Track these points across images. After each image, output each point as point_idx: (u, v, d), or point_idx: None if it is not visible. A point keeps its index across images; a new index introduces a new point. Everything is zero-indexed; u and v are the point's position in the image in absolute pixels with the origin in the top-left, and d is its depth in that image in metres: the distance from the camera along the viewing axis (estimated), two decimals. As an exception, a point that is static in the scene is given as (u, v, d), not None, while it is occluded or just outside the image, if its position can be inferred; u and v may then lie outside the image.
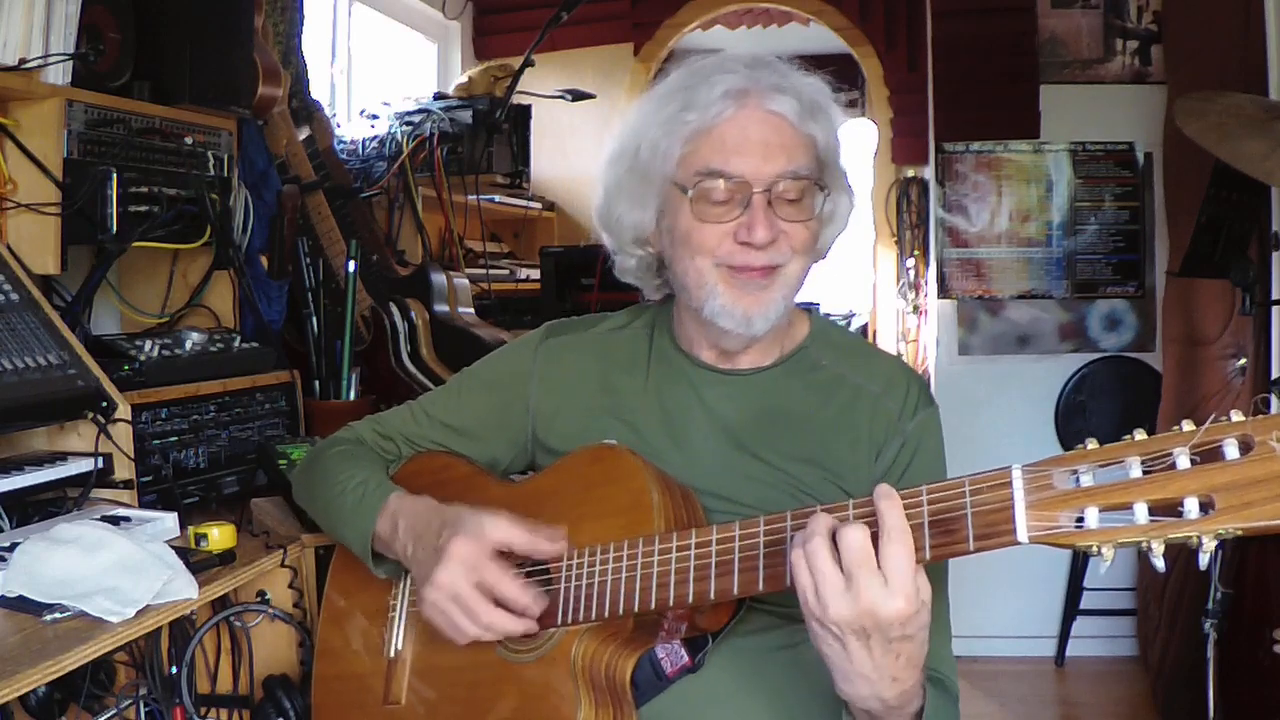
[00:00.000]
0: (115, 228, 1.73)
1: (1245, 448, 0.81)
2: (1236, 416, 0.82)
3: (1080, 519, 0.86)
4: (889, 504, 0.92)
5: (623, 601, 1.10)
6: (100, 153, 1.74)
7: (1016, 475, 0.89)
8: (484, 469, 1.35)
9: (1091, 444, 0.87)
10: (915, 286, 4.50)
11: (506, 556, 1.16)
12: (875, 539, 0.92)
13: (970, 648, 3.44)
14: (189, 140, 1.93)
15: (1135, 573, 3.42)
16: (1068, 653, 3.52)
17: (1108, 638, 3.50)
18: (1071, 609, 3.50)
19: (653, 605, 1.08)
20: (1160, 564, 0.82)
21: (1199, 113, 2.20)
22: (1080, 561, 3.43)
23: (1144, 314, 3.54)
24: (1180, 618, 2.84)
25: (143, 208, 1.82)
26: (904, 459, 1.24)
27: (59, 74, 1.67)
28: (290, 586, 1.64)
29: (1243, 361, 2.82)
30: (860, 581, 0.91)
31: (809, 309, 1.37)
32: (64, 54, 1.66)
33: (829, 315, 5.24)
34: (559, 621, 1.14)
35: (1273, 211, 2.64)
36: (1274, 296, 2.65)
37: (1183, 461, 0.83)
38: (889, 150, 4.57)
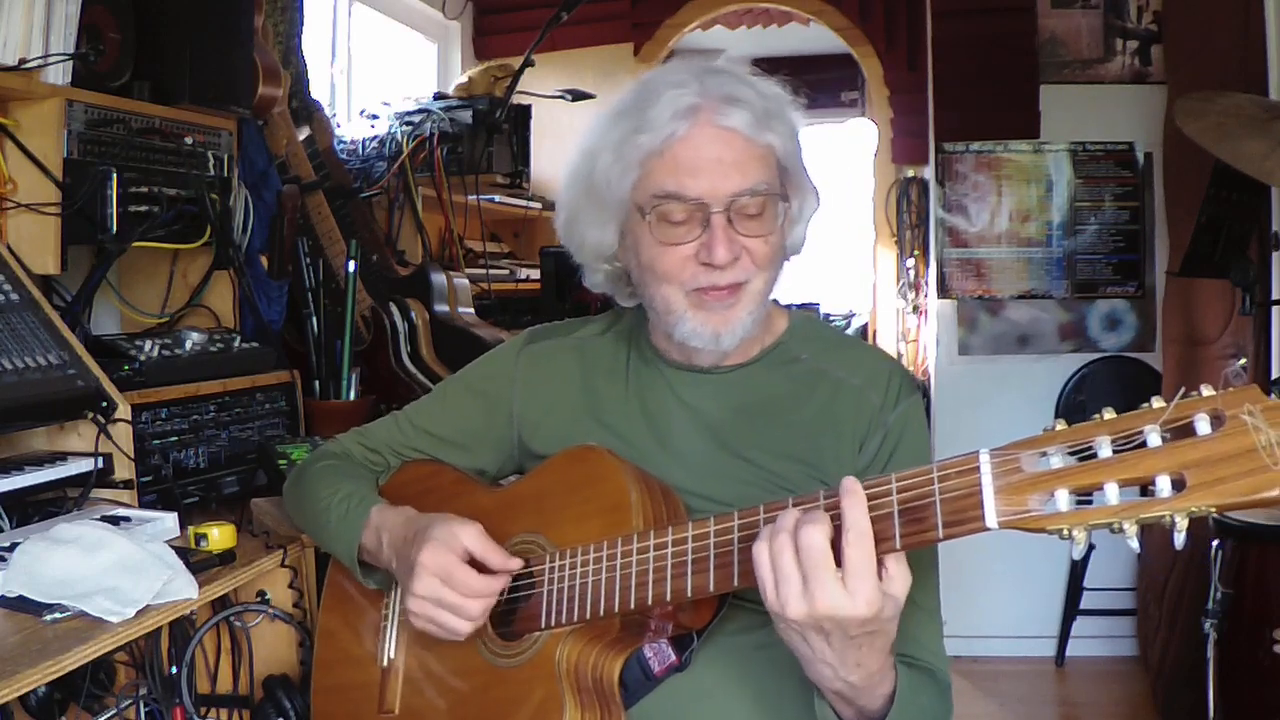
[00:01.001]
0: (115, 228, 1.73)
1: (1217, 422, 0.79)
2: (1207, 391, 0.80)
3: (1050, 502, 0.84)
4: (852, 501, 0.91)
5: (603, 602, 1.10)
6: (100, 153, 1.74)
7: (984, 460, 0.87)
8: (470, 475, 1.35)
9: (1060, 425, 0.85)
10: (915, 286, 4.50)
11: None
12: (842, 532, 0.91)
13: (970, 648, 3.44)
14: (189, 140, 1.93)
15: (1135, 572, 3.41)
16: (1068, 653, 3.51)
17: (1108, 638, 3.49)
18: (1071, 609, 3.49)
19: (632, 605, 1.08)
20: (1135, 545, 0.80)
21: (1199, 113, 2.20)
22: (1080, 561, 3.43)
23: (1144, 314, 3.53)
24: (1180, 618, 2.83)
25: (143, 208, 1.82)
26: (886, 451, 1.23)
27: (59, 74, 1.67)
28: (290, 586, 1.64)
29: (1243, 361, 2.82)
30: (815, 583, 0.91)
31: (788, 308, 1.36)
32: (64, 54, 1.66)
33: (829, 315, 5.24)
34: (542, 624, 1.14)
35: (1273, 211, 2.65)
36: (1274, 296, 2.66)
37: (1154, 439, 0.80)
38: (889, 150, 4.57)
